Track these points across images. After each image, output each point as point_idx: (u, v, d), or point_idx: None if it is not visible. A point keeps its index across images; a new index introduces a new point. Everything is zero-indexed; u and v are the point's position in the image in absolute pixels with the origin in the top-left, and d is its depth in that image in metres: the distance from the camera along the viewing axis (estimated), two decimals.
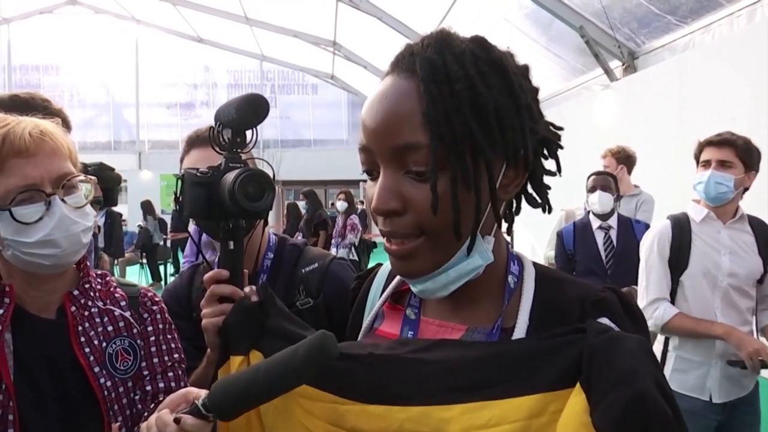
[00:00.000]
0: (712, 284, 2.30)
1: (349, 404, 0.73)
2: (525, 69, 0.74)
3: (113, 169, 2.85)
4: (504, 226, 0.78)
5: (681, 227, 2.36)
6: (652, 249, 2.40)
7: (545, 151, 0.78)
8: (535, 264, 0.79)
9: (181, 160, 1.39)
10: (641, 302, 2.40)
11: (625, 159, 3.96)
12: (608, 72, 6.98)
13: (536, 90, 0.75)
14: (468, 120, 0.65)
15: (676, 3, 5.79)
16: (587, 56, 7.13)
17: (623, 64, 6.85)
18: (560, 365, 0.64)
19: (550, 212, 0.80)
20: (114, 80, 18.98)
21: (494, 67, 0.69)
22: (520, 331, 0.71)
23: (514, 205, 0.80)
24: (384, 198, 0.68)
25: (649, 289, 2.39)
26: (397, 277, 0.86)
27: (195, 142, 1.35)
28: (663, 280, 2.36)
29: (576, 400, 0.62)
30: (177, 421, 0.72)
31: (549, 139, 0.77)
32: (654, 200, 3.92)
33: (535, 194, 0.79)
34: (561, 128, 0.80)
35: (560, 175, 0.80)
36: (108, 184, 2.85)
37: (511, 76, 0.69)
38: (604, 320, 0.69)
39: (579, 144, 7.60)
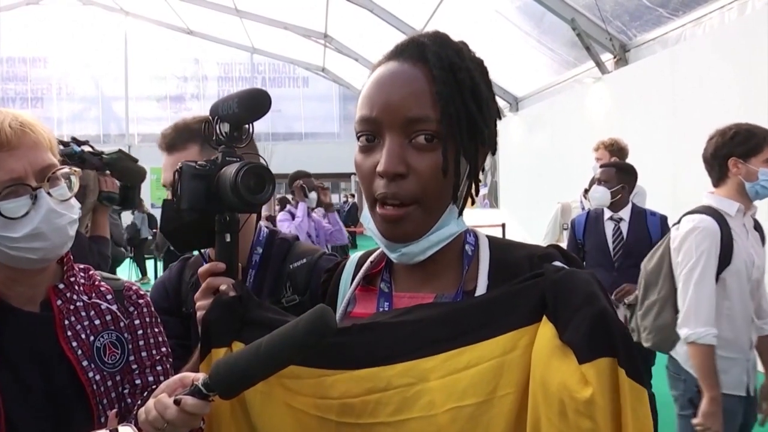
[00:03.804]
0: (748, 278, 2.23)
1: (338, 374, 0.77)
2: None
3: (136, 160, 2.26)
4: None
5: (721, 223, 2.20)
6: (707, 253, 2.17)
7: None
8: (487, 236, 0.89)
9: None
10: (687, 317, 2.19)
11: (617, 151, 3.96)
12: (600, 65, 6.99)
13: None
14: (470, 104, 0.79)
15: None
16: (579, 49, 7.14)
17: (615, 57, 6.87)
18: (524, 306, 0.74)
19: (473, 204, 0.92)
20: (103, 73, 18.81)
21: (481, 66, 0.84)
22: (481, 291, 0.81)
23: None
24: (393, 162, 0.76)
25: (700, 308, 2.16)
26: (368, 261, 0.93)
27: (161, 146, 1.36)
28: (713, 298, 2.17)
29: (544, 330, 0.71)
30: (177, 402, 0.74)
31: None
32: (646, 192, 3.93)
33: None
34: None
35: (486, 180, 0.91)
36: (128, 180, 2.20)
37: (488, 74, 0.85)
38: (556, 263, 0.79)
39: (571, 137, 7.64)
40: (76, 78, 18.73)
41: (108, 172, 2.14)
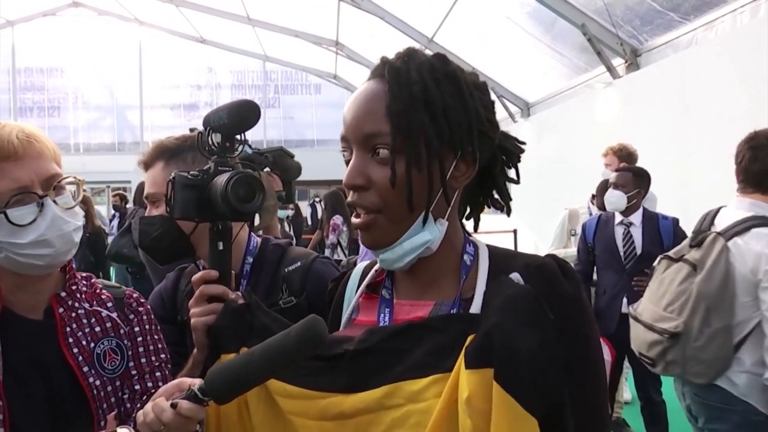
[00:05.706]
0: None
1: (331, 396, 0.81)
2: (482, 84, 0.89)
3: (293, 155, 2.31)
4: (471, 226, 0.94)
5: None
6: None
7: (509, 162, 0.92)
8: (488, 245, 0.91)
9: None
10: None
11: (626, 156, 3.95)
12: (611, 69, 6.96)
13: (491, 102, 0.89)
14: (421, 115, 0.80)
15: (679, 0, 5.77)
16: (590, 54, 7.11)
17: (626, 62, 6.82)
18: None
19: (509, 214, 0.95)
20: (117, 82, 19.03)
21: (448, 77, 0.83)
22: (478, 298, 0.83)
23: (481, 201, 0.95)
24: (353, 175, 0.83)
25: None
26: (372, 270, 0.97)
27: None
28: None
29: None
30: (174, 406, 0.77)
31: (509, 150, 0.91)
32: (656, 198, 3.90)
33: (498, 198, 0.94)
34: (524, 143, 0.94)
35: (518, 183, 0.93)
36: (288, 176, 2.26)
37: (462, 84, 0.84)
38: (515, 275, 0.81)
39: (581, 142, 7.61)
40: (92, 87, 18.97)
41: (268, 170, 2.13)
